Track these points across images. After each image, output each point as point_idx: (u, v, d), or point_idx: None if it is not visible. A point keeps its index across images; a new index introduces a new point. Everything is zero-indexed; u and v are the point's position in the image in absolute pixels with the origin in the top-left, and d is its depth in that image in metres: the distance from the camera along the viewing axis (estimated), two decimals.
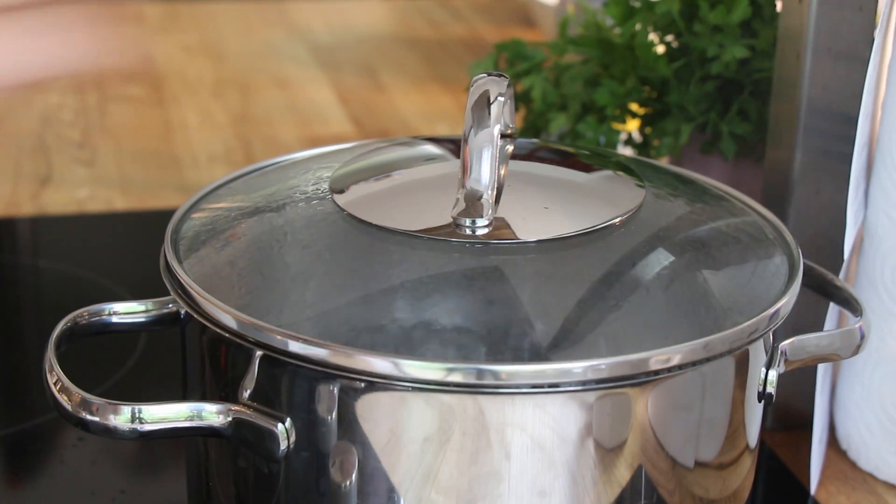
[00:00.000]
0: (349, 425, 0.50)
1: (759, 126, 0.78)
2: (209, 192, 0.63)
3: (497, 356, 0.51)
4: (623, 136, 0.83)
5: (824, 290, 0.61)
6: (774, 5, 0.78)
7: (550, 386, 0.49)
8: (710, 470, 0.54)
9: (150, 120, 1.19)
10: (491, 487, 0.50)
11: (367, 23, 1.44)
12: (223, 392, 0.53)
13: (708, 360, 0.52)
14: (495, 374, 0.49)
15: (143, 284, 0.86)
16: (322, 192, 0.61)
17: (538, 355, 0.51)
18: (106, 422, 0.50)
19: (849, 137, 0.66)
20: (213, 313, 0.53)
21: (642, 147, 0.83)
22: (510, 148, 0.60)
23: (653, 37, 0.80)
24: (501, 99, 0.55)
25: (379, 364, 0.49)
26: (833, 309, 0.67)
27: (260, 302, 0.67)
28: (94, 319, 0.56)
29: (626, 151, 0.85)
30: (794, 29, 0.68)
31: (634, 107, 0.82)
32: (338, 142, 1.15)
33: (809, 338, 0.57)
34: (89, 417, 0.50)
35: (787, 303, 0.55)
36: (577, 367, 0.49)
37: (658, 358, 0.50)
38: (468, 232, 0.55)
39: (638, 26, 0.79)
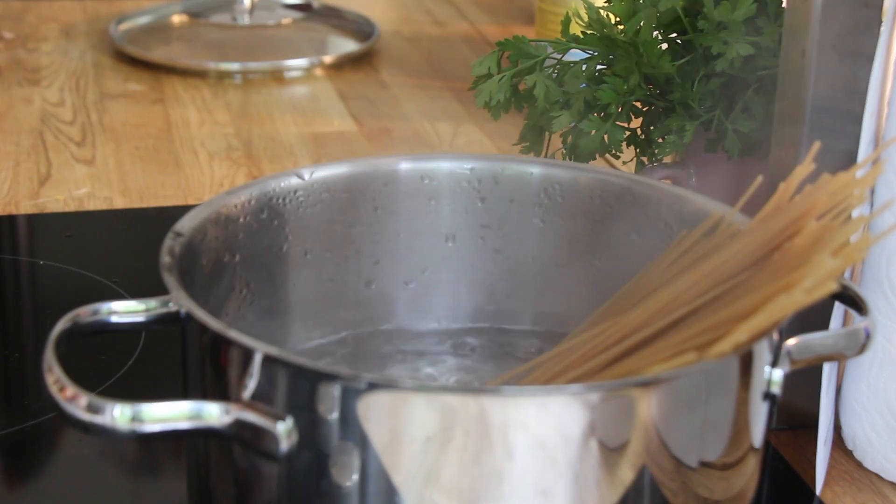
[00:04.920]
0: (350, 425, 0.50)
1: (764, 124, 0.78)
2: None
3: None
4: (626, 135, 0.82)
5: None
6: (780, 2, 0.77)
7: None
8: (715, 470, 0.54)
9: (149, 117, 1.18)
10: (493, 488, 0.50)
11: (369, 19, 1.43)
12: (224, 391, 0.53)
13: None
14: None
15: (143, 283, 0.85)
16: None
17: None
18: (106, 422, 0.50)
19: (854, 135, 0.66)
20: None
21: (646, 145, 0.82)
22: None
23: (656, 34, 0.80)
24: None
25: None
26: (838, 308, 0.66)
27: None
28: (93, 318, 0.56)
29: (630, 150, 0.84)
30: (799, 26, 0.67)
31: (638, 105, 0.82)
32: (339, 139, 1.15)
33: (814, 337, 0.56)
34: (89, 417, 0.50)
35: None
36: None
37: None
38: None
39: (642, 23, 0.79)
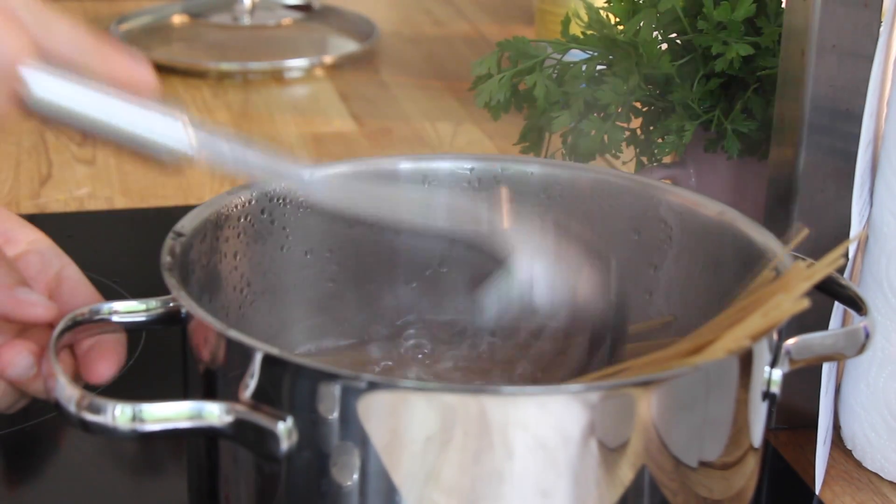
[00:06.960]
0: (351, 425, 0.50)
1: (764, 124, 0.78)
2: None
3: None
4: (626, 135, 0.82)
5: (829, 288, 0.60)
6: (779, 2, 0.77)
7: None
8: (714, 470, 0.54)
9: None
10: (493, 487, 0.50)
11: (369, 19, 1.43)
12: (224, 391, 0.53)
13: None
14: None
15: (143, 283, 0.85)
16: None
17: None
18: (106, 422, 0.50)
19: (854, 135, 0.66)
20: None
21: (646, 145, 0.82)
22: None
23: (656, 34, 0.80)
24: None
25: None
26: (838, 308, 0.67)
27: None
28: (94, 318, 0.56)
29: (630, 150, 0.84)
30: (798, 26, 0.67)
31: (638, 105, 0.82)
32: (339, 139, 1.15)
33: (814, 337, 0.56)
34: (89, 417, 0.50)
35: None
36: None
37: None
38: None
39: (641, 23, 0.79)
